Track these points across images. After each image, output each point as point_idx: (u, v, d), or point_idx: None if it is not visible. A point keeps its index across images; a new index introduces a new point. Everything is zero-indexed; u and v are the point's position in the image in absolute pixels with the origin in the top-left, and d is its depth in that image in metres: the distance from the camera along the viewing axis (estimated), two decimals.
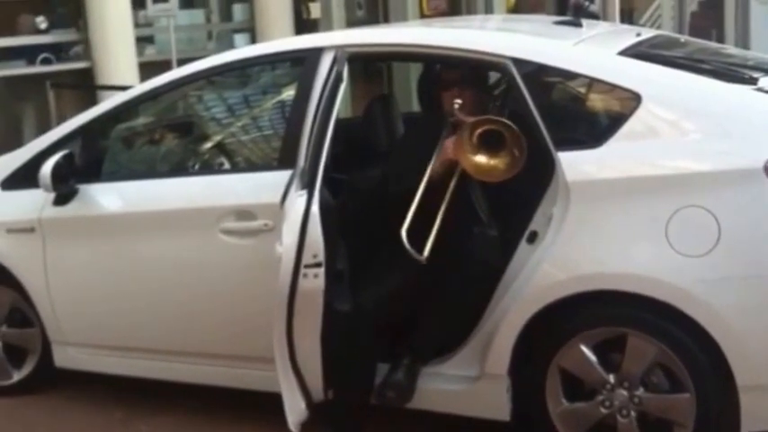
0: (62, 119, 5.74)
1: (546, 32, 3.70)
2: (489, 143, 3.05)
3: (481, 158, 3.07)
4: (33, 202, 3.80)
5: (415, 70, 6.16)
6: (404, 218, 3.22)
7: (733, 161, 2.85)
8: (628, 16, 8.40)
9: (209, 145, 4.09)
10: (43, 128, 6.81)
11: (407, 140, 3.78)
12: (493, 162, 3.05)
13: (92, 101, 7.17)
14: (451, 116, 3.33)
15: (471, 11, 9.12)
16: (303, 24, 9.56)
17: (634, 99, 3.00)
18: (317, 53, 3.40)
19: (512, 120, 3.05)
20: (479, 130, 3.05)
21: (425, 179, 3.13)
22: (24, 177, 3.86)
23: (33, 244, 3.81)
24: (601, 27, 4.05)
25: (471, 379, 3.20)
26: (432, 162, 3.18)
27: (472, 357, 3.18)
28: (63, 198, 3.71)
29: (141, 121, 4.26)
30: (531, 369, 3.10)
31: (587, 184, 2.98)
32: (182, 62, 5.30)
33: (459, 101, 3.33)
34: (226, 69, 3.81)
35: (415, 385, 3.26)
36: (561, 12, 8.84)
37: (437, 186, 3.15)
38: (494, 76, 3.91)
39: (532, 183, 3.08)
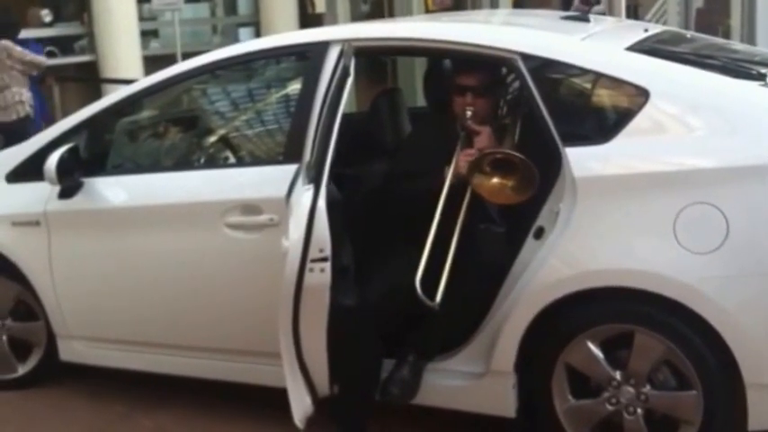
0: (67, 112, 5.74)
1: (553, 27, 3.67)
2: (502, 166, 3.05)
3: (494, 181, 3.07)
4: (38, 196, 3.80)
5: (421, 65, 6.15)
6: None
7: (741, 158, 2.83)
8: (633, 12, 8.37)
9: (214, 139, 4.08)
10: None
11: (417, 139, 3.75)
12: (505, 183, 3.05)
13: (96, 94, 7.17)
14: (462, 126, 3.32)
15: (476, 6, 9.09)
16: (307, 19, 9.57)
17: (642, 95, 2.98)
18: (323, 47, 3.38)
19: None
20: (490, 159, 3.06)
21: (444, 196, 3.13)
22: (29, 170, 3.86)
23: (38, 237, 3.81)
24: (608, 22, 4.02)
25: (477, 375, 3.19)
26: (448, 177, 3.18)
27: (478, 354, 3.18)
28: (68, 191, 3.70)
29: (146, 114, 4.25)
30: (537, 366, 3.09)
31: (594, 180, 2.97)
32: (186, 56, 5.30)
33: (471, 108, 3.32)
34: (231, 63, 3.79)
35: (420, 381, 3.26)
36: (567, 8, 8.81)
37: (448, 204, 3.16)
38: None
39: (539, 178, 3.07)
